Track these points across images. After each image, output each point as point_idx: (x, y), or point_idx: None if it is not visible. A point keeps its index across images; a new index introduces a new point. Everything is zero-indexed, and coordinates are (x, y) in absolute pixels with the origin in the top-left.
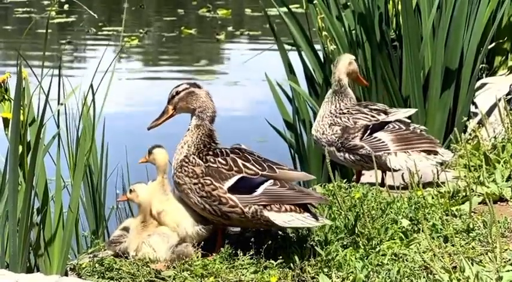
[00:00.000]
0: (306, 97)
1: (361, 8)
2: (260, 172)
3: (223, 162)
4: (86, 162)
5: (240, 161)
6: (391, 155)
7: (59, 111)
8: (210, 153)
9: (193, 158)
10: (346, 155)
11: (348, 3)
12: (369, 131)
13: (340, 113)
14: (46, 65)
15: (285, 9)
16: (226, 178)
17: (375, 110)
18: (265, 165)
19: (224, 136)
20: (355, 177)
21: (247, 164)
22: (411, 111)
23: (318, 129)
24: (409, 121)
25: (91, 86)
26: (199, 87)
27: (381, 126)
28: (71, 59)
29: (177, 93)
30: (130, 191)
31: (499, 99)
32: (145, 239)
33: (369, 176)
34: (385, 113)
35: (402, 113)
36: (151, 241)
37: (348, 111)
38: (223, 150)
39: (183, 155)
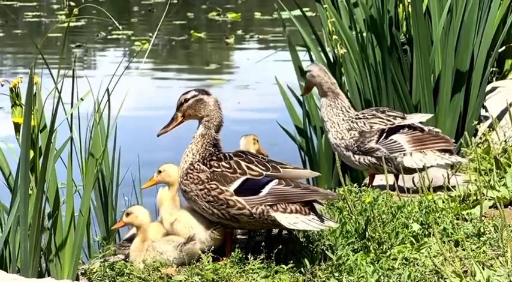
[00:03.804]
0: (316, 95)
1: (371, 12)
2: (264, 172)
3: (227, 165)
4: (98, 167)
5: (243, 163)
6: (407, 155)
7: (72, 115)
8: (214, 158)
9: (198, 164)
10: (362, 158)
11: (359, 9)
12: (384, 135)
13: (356, 118)
14: (57, 68)
15: (295, 12)
16: (231, 181)
17: (392, 115)
18: (269, 165)
19: (234, 140)
20: (367, 181)
21: (251, 166)
22: (427, 116)
23: (337, 136)
24: (423, 126)
25: (107, 89)
26: (208, 94)
27: (396, 129)
28: (80, 63)
29: (186, 100)
30: (128, 214)
31: (510, 104)
32: (150, 245)
33: (379, 180)
34: (402, 118)
35: (418, 117)
36: (156, 246)
37: (363, 116)
38: (226, 154)
39: (188, 163)
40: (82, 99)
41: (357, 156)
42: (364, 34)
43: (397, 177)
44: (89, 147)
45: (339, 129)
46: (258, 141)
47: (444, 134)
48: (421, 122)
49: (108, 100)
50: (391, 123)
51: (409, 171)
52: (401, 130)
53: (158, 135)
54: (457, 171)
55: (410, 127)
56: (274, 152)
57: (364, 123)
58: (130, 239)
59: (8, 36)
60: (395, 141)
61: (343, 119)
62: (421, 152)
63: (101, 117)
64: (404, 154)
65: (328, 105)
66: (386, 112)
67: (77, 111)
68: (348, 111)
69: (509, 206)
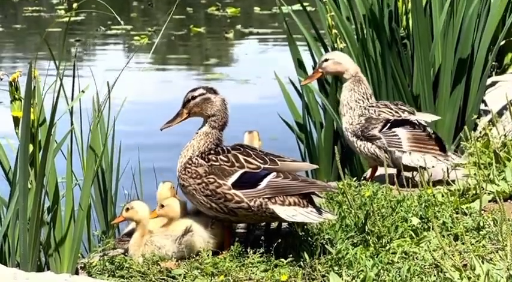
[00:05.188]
0: (316, 91)
1: (370, 5)
2: (262, 166)
3: (225, 159)
4: (98, 163)
5: (241, 157)
6: (406, 153)
7: (72, 109)
8: (212, 152)
9: (196, 159)
10: (364, 145)
11: (359, 3)
12: (388, 125)
13: (369, 106)
14: (56, 62)
15: (294, 7)
16: (229, 174)
17: (402, 109)
18: (266, 158)
19: (234, 134)
20: (367, 174)
21: (249, 159)
22: (435, 117)
23: (349, 121)
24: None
25: (108, 84)
26: (215, 93)
27: (401, 123)
28: (80, 57)
29: (193, 98)
30: (127, 209)
31: (511, 101)
32: (148, 240)
33: (378, 173)
34: (411, 113)
35: (427, 117)
36: (154, 240)
37: (376, 105)
38: (224, 148)
39: (187, 157)
40: (83, 92)
41: (359, 142)
42: (364, 28)
43: (398, 173)
44: (88, 141)
45: (352, 114)
46: (259, 137)
47: (439, 132)
48: (426, 122)
49: (109, 93)
50: (398, 115)
51: (408, 169)
52: (406, 125)
53: (161, 129)
54: (457, 165)
55: (415, 124)
56: (274, 146)
57: (374, 111)
58: (130, 234)
59: (7, 31)
60: (396, 135)
61: (360, 106)
62: (419, 151)
63: (101, 113)
64: (403, 151)
65: (350, 89)
66: (399, 105)
67: (79, 105)
68: (368, 99)
69: (509, 200)
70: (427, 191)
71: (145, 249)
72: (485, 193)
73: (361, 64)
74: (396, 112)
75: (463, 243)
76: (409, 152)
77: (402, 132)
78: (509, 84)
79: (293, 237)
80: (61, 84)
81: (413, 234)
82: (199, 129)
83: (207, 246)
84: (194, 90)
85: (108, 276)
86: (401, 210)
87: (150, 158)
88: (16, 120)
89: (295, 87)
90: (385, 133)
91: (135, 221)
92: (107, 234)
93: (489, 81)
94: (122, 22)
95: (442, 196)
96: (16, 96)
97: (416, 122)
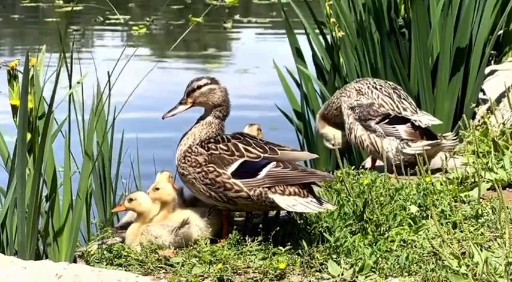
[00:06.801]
0: (313, 79)
1: None
2: (262, 155)
3: (225, 148)
4: (97, 151)
5: (241, 146)
6: (403, 142)
7: (72, 96)
8: (212, 141)
9: (196, 147)
10: (356, 126)
11: None
12: (387, 121)
13: (373, 87)
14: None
15: None
16: (229, 163)
17: (404, 106)
18: (266, 147)
19: (234, 124)
20: (366, 163)
21: (249, 148)
22: (436, 121)
23: (344, 94)
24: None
25: (108, 74)
26: (218, 83)
27: (400, 119)
28: (78, 47)
29: (199, 87)
30: (130, 199)
31: (509, 88)
32: (145, 230)
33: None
34: (412, 112)
35: (426, 119)
36: (151, 229)
37: (380, 87)
38: (224, 136)
39: (186, 146)
40: (79, 82)
41: (351, 119)
42: (363, 17)
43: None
44: (88, 129)
45: (349, 87)
46: (261, 130)
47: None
48: (426, 125)
49: (109, 83)
50: (398, 111)
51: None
52: (404, 122)
53: (163, 118)
54: (455, 153)
55: (414, 124)
56: (274, 136)
57: (378, 96)
58: (127, 223)
59: (5, 21)
60: (394, 127)
61: (357, 81)
62: (415, 141)
63: (101, 103)
64: (401, 139)
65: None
66: (402, 98)
67: (80, 94)
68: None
69: (507, 188)
70: (426, 179)
71: (142, 238)
72: (483, 181)
73: (360, 53)
74: (397, 107)
75: (461, 231)
76: (406, 141)
77: (400, 127)
78: (508, 72)
79: (291, 225)
80: (57, 76)
81: (411, 222)
82: (202, 118)
83: (204, 236)
84: (198, 79)
85: (106, 264)
86: (400, 198)
87: (148, 147)
88: (14, 108)
89: (293, 77)
90: (383, 126)
91: (137, 212)
92: (106, 223)
93: (488, 70)
94: (118, 13)
95: (441, 184)
96: (14, 84)
97: (415, 123)
